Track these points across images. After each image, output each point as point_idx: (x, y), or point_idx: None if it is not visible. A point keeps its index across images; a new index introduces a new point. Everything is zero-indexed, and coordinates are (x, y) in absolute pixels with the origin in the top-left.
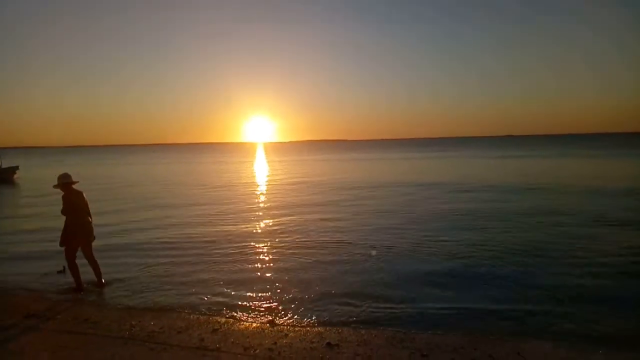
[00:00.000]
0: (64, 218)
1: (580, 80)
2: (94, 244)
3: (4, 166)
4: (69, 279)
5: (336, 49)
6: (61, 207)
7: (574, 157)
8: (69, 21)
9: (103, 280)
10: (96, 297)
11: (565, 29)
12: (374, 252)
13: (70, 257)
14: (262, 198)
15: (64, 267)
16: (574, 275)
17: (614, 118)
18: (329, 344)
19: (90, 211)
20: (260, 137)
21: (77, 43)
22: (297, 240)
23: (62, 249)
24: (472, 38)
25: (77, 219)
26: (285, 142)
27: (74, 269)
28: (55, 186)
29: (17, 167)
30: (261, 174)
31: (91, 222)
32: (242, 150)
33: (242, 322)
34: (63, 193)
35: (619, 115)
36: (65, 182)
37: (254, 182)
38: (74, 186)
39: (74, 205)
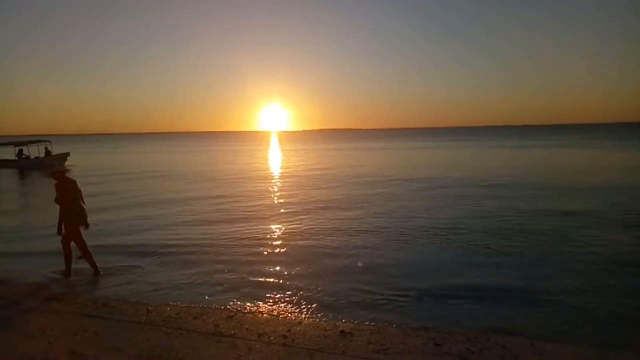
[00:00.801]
0: (74, 207)
1: (599, 69)
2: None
3: (54, 153)
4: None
5: (350, 37)
6: (54, 196)
7: (591, 147)
8: (82, 8)
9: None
10: (113, 285)
11: (585, 16)
12: (361, 264)
13: (81, 245)
14: (278, 192)
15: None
16: (593, 278)
17: (631, 108)
18: (342, 332)
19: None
20: (275, 125)
21: (93, 32)
22: (314, 239)
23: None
24: (494, 23)
25: (70, 208)
26: (299, 131)
27: (87, 255)
28: (47, 175)
29: (68, 154)
30: (276, 164)
31: (85, 210)
32: (257, 139)
33: (256, 310)
34: (55, 182)
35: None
36: (56, 171)
37: (269, 174)
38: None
39: (66, 194)
